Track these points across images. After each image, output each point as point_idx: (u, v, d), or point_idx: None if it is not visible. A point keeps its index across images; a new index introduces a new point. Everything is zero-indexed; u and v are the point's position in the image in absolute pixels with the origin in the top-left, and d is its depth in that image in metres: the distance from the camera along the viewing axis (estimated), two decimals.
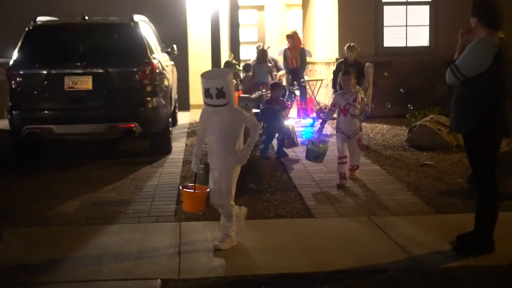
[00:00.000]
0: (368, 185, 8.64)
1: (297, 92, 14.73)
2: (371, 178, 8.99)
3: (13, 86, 10.15)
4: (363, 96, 10.23)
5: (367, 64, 11.56)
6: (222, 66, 15.13)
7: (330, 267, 5.67)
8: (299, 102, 14.75)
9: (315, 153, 8.76)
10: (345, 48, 12.03)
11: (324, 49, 16.16)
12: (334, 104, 8.82)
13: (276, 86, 11.60)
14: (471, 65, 5.77)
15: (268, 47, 15.48)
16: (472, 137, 5.93)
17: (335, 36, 14.97)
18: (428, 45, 15.13)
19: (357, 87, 9.83)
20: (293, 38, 14.48)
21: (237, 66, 14.94)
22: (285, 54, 14.57)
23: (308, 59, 14.94)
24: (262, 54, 14.72)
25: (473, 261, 5.73)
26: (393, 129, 13.07)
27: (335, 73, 11.83)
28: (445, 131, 10.87)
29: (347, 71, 8.96)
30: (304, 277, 5.44)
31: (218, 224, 6.79)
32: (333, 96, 9.27)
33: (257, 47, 16.96)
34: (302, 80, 14.67)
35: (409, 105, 13.86)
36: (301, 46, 14.78)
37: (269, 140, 10.82)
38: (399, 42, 15.16)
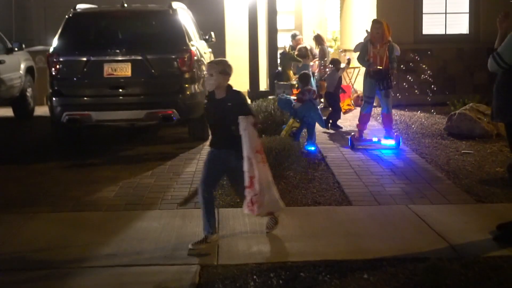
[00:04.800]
0: (407, 173, 8.57)
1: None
2: (410, 166, 8.91)
3: (53, 73, 10.27)
4: None
5: None
6: (279, 57, 15.09)
7: (370, 254, 5.65)
8: (382, 116, 10.38)
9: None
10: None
11: (362, 37, 16.01)
12: None
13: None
14: None
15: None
16: None
17: None
18: (468, 32, 14.94)
19: None
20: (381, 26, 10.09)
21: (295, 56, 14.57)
22: (365, 49, 10.26)
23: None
24: None
25: None
26: (432, 117, 12.94)
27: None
28: (485, 120, 10.75)
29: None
30: (344, 264, 5.43)
31: None
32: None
33: (291, 35, 16.90)
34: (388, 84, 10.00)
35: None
36: (389, 39, 10.13)
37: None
38: (439, 30, 14.99)
